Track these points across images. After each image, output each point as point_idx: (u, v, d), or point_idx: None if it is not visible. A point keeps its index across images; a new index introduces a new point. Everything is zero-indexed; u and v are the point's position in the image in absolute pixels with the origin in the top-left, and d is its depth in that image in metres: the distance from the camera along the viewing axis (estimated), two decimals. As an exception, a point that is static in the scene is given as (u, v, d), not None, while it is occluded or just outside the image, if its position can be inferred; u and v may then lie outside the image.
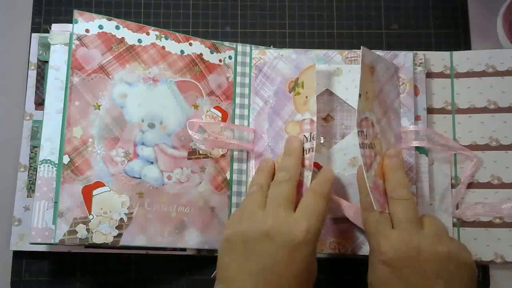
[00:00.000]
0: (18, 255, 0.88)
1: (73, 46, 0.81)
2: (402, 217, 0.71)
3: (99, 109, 0.81)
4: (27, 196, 0.87)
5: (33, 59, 0.90)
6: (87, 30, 0.82)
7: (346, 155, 0.86)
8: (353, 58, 0.90)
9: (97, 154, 0.80)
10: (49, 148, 0.82)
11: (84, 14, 0.83)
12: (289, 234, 0.68)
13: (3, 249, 0.88)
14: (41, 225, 0.81)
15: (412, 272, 0.68)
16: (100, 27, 0.83)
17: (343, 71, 0.88)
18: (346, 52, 0.90)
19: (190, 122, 0.85)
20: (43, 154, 0.82)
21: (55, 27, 0.88)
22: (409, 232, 0.70)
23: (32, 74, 0.90)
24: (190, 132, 0.84)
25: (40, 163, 0.82)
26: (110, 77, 0.83)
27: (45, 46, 0.88)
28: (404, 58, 0.89)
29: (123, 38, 0.84)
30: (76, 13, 0.82)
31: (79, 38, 0.82)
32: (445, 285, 0.67)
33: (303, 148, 0.81)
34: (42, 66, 0.89)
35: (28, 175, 0.87)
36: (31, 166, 0.87)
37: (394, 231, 0.71)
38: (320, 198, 0.73)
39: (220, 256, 0.73)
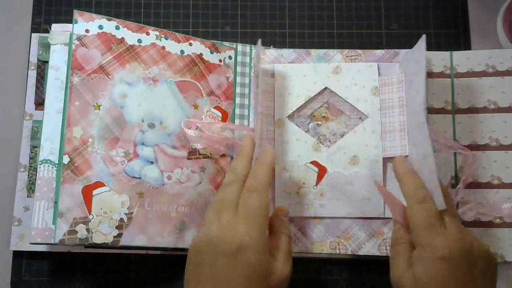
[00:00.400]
0: (18, 255, 0.88)
1: (73, 46, 0.81)
2: (450, 214, 0.71)
3: (99, 109, 0.81)
4: (27, 196, 0.87)
5: (33, 59, 0.90)
6: (87, 30, 0.82)
7: (346, 154, 0.87)
8: (353, 57, 0.90)
9: (97, 154, 0.80)
10: (49, 148, 0.83)
11: (84, 14, 0.83)
12: (228, 240, 0.67)
13: (3, 249, 0.88)
14: (41, 225, 0.81)
15: (467, 269, 0.68)
16: (100, 27, 0.83)
17: (342, 69, 0.88)
18: (346, 51, 0.91)
19: (186, 121, 0.86)
20: (43, 154, 0.82)
21: (55, 27, 0.88)
22: (460, 228, 0.70)
23: (32, 74, 0.90)
24: (185, 129, 0.85)
25: (40, 163, 0.82)
26: (110, 77, 0.83)
27: (45, 46, 0.88)
28: (405, 56, 0.90)
29: (123, 38, 0.84)
30: (76, 13, 0.82)
31: (79, 38, 0.82)
32: (490, 281, 0.69)
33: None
34: (42, 66, 0.89)
35: (28, 175, 0.87)
36: (31, 166, 0.87)
37: (450, 227, 0.70)
38: (258, 193, 0.71)
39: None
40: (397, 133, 0.86)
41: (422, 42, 0.80)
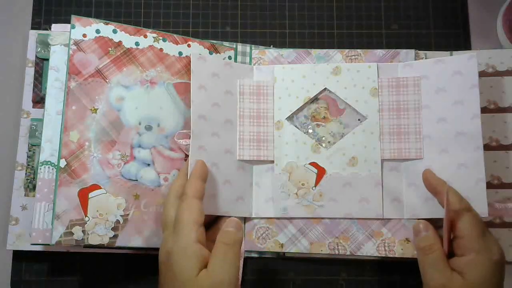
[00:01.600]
0: (18, 255, 0.88)
1: (70, 51, 0.82)
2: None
3: (95, 112, 0.82)
4: (24, 195, 0.87)
5: (31, 56, 0.90)
6: (84, 35, 0.83)
7: (345, 155, 0.87)
8: (353, 57, 0.90)
9: (94, 157, 0.81)
10: (49, 150, 0.83)
11: (81, 19, 0.83)
12: (161, 251, 0.74)
13: (3, 249, 0.88)
14: (41, 226, 0.81)
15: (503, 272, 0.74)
16: (97, 31, 0.84)
17: (342, 70, 0.88)
18: (346, 51, 0.90)
19: (179, 133, 0.86)
20: (43, 156, 0.83)
21: (55, 27, 0.88)
22: None
23: (30, 72, 0.90)
24: (177, 141, 0.85)
25: (40, 164, 0.83)
26: (107, 80, 0.83)
27: (43, 43, 0.89)
28: (406, 56, 0.89)
29: (120, 41, 0.85)
30: (74, 18, 0.83)
31: (76, 43, 0.82)
32: None
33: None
34: (40, 64, 0.89)
35: (26, 173, 0.87)
36: (28, 165, 0.87)
37: (490, 232, 0.75)
38: (185, 204, 0.74)
39: None
40: (412, 135, 0.86)
41: (473, 61, 0.83)
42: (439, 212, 0.82)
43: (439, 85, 0.84)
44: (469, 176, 0.80)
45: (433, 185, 0.80)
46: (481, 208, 0.79)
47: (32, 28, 0.94)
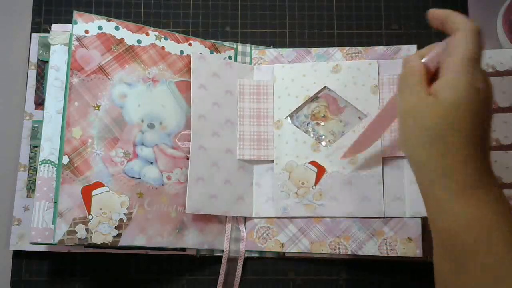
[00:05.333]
0: (18, 255, 0.88)
1: (73, 47, 0.82)
2: None
3: (98, 109, 0.81)
4: (27, 196, 0.87)
5: (33, 59, 0.90)
6: (86, 31, 0.83)
7: (345, 154, 0.87)
8: (354, 55, 0.90)
9: (97, 155, 0.80)
10: (49, 148, 0.83)
11: (84, 15, 0.83)
12: None
13: (3, 249, 0.88)
14: (41, 225, 0.81)
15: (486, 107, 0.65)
16: (100, 28, 0.83)
17: (342, 68, 0.88)
18: (346, 48, 0.90)
19: (182, 134, 0.86)
20: (43, 154, 0.82)
21: (55, 27, 0.88)
22: None
23: (32, 74, 0.90)
24: (179, 143, 0.85)
25: (40, 163, 0.82)
26: (110, 77, 0.83)
27: (45, 46, 0.89)
28: (408, 52, 0.89)
29: (122, 38, 0.85)
30: (76, 14, 0.83)
31: (79, 39, 0.82)
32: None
33: None
34: (42, 66, 0.89)
35: (28, 174, 0.87)
36: (30, 166, 0.87)
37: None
38: None
39: None
40: None
41: None
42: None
43: None
44: None
45: (440, 15, 0.69)
46: None
47: (33, 29, 0.93)
